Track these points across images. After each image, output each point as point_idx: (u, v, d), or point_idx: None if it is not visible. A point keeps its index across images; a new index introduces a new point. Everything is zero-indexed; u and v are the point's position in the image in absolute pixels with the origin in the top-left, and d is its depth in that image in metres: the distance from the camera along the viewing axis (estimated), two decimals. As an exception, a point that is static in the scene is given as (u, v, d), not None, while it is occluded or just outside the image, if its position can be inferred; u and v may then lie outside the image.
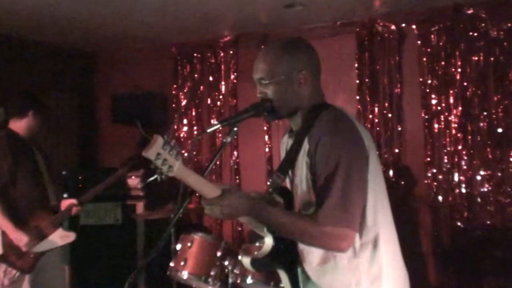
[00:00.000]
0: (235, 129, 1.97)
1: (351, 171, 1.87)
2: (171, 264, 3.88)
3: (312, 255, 2.01)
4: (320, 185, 1.90)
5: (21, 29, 5.27)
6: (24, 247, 3.78)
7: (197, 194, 1.87)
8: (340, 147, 1.89)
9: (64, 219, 4.06)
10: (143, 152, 1.71)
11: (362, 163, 1.93)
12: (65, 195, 4.53)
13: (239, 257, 2.15)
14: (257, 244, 3.75)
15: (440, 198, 4.81)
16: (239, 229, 5.58)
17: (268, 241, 1.97)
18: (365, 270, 1.95)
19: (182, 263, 3.80)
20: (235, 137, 4.58)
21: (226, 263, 3.77)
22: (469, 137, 4.72)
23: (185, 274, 3.74)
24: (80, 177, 5.40)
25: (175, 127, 5.90)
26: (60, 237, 3.96)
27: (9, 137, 3.91)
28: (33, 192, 3.91)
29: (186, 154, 5.47)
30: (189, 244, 3.86)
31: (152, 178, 4.03)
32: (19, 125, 3.94)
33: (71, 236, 4.01)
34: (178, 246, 3.92)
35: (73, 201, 3.99)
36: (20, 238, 3.78)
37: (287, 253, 2.04)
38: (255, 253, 2.00)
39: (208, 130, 1.96)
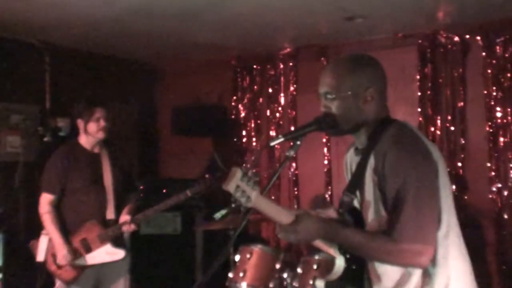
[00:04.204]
0: (298, 143, 1.96)
1: (422, 185, 1.84)
2: (230, 275, 3.90)
3: (387, 278, 1.98)
4: (391, 201, 1.87)
5: (86, 43, 5.46)
6: (60, 260, 3.78)
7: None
8: (408, 161, 1.86)
9: (115, 236, 3.87)
10: (223, 186, 1.75)
11: (432, 176, 1.89)
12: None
13: (314, 281, 2.14)
14: (316, 257, 3.73)
15: (505, 214, 4.65)
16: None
17: (340, 263, 1.96)
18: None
19: (241, 274, 3.82)
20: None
21: (285, 275, 3.76)
22: (537, 151, 4.56)
23: (244, 286, 3.77)
24: (141, 187, 5.49)
25: (235, 139, 5.94)
26: (107, 254, 3.84)
27: (67, 151, 3.94)
28: (87, 204, 3.86)
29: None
30: (248, 256, 3.88)
31: (224, 213, 4.05)
32: (84, 137, 3.95)
33: (119, 254, 3.87)
34: (237, 257, 3.94)
35: (127, 218, 3.88)
36: (60, 250, 3.77)
37: (358, 274, 2.02)
38: (329, 273, 1.98)
39: (272, 144, 1.98)
